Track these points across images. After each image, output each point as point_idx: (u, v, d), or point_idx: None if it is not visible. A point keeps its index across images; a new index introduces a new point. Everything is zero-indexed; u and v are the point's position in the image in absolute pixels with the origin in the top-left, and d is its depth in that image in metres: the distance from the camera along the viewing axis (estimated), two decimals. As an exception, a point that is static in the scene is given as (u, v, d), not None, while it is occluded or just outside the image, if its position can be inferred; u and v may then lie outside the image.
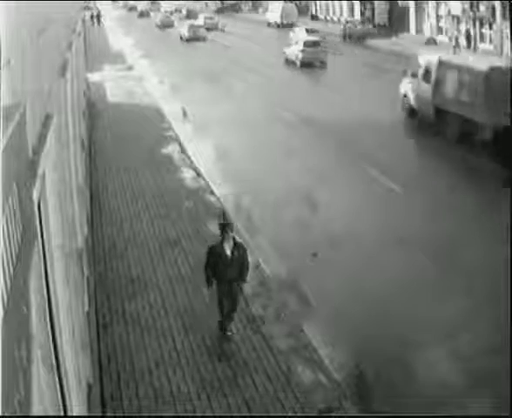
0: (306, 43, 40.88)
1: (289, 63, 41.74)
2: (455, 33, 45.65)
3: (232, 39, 57.61)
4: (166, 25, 69.62)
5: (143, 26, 74.18)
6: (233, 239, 10.04)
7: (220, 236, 10.02)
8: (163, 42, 57.78)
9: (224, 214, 11.66)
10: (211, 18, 69.11)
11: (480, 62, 22.24)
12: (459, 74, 21.60)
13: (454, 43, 43.67)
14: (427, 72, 23.35)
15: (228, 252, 9.90)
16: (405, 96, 24.85)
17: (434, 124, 22.61)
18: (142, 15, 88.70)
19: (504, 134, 18.85)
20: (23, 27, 4.90)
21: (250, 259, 10.49)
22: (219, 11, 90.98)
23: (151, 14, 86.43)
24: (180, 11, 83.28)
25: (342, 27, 58.22)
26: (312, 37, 43.77)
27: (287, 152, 20.94)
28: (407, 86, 24.87)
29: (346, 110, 27.28)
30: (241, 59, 45.00)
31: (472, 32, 44.77)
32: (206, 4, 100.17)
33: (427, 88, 22.98)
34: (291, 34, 51.93)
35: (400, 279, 12.38)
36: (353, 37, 55.66)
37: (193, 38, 55.77)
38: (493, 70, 20.40)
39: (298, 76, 38.26)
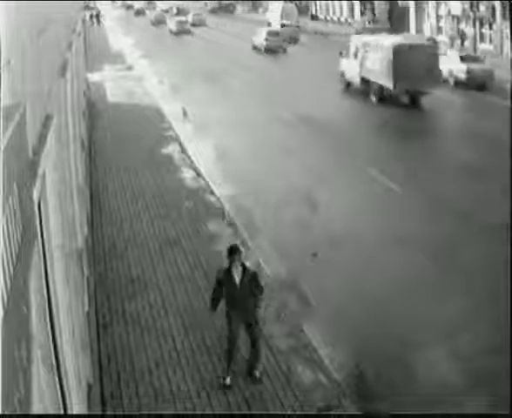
0: (269, 33, 49.31)
1: (256, 49, 50.26)
2: (450, 33, 47.09)
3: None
4: (159, 21, 74.41)
5: (138, 23, 78.70)
6: (243, 265, 9.12)
7: (228, 262, 9.10)
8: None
9: (226, 214, 11.33)
10: (198, 15, 75.15)
11: (389, 39, 28.78)
12: (375, 51, 28.38)
13: (450, 42, 45.29)
14: (356, 51, 30.12)
15: (237, 279, 9.00)
16: (342, 73, 31.24)
17: (361, 91, 29.27)
18: (138, 13, 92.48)
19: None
20: (23, 27, 4.90)
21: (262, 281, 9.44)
22: (213, 12, 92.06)
23: (147, 12, 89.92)
24: (172, 10, 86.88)
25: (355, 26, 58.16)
26: (274, 29, 52.72)
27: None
28: (343, 65, 31.14)
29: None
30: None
31: (467, 32, 45.52)
32: (206, 4, 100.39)
33: (355, 63, 29.55)
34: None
35: (399, 279, 12.40)
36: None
37: (180, 32, 63.21)
38: (399, 46, 27.06)
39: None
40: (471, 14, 43.02)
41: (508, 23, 39.93)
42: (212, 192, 17.14)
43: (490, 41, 43.32)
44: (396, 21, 57.53)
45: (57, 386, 5.11)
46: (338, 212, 15.89)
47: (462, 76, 31.00)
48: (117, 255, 13.36)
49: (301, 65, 42.05)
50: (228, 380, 9.03)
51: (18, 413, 3.15)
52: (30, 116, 4.65)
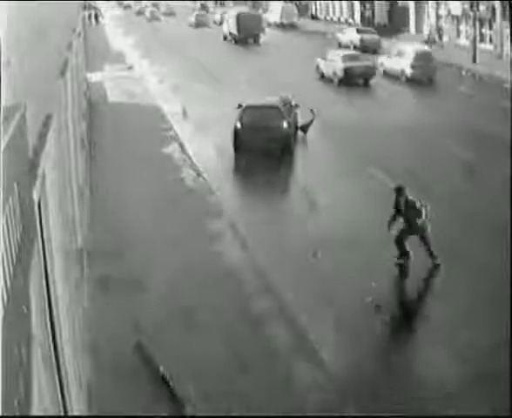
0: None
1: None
2: (429, 28, 50.12)
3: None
4: (152, 19, 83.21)
5: (133, 19, 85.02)
6: (406, 198, 12.56)
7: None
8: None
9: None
10: (169, 8, 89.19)
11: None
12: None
13: (426, 38, 49.20)
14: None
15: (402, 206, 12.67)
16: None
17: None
18: (139, 13, 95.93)
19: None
20: (23, 27, 4.90)
21: None
22: (203, 7, 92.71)
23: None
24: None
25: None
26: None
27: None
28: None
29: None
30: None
31: (444, 28, 49.15)
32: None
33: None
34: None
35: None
36: None
37: (153, 19, 79.36)
38: None
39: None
40: (471, 14, 42.99)
41: (508, 23, 39.92)
42: (212, 192, 17.18)
43: (490, 41, 43.30)
44: (396, 21, 57.51)
45: (57, 386, 5.11)
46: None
47: (358, 43, 45.61)
48: (117, 255, 13.34)
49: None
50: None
51: (18, 413, 3.15)
52: (30, 116, 4.65)
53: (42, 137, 5.29)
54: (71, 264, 7.50)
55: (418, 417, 8.71)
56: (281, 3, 70.79)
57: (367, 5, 64.86)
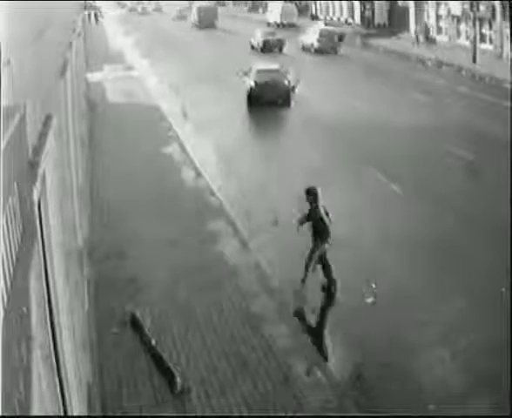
0: (199, 10, 70.29)
1: (193, 25, 69.51)
2: (417, 28, 52.25)
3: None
4: (143, 13, 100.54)
5: (128, 15, 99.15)
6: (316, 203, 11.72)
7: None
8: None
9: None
10: (158, 5, 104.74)
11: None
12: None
13: (415, 35, 51.57)
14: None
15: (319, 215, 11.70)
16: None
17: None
18: (131, 10, 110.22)
19: None
20: (23, 27, 4.90)
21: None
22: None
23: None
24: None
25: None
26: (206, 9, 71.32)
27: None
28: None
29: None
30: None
31: (429, 26, 51.69)
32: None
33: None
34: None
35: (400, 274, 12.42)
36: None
37: (144, 13, 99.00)
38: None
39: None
40: (471, 14, 42.99)
41: (508, 23, 39.91)
42: (212, 192, 17.18)
43: (490, 41, 43.30)
44: (396, 21, 57.50)
45: (57, 386, 5.11)
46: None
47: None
48: (117, 255, 13.34)
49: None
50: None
51: (18, 413, 3.15)
52: (30, 116, 4.64)
53: (42, 137, 5.29)
54: (71, 264, 7.50)
55: (418, 417, 8.72)
56: (281, 3, 70.76)
57: (367, 5, 64.85)
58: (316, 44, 46.89)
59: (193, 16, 71.61)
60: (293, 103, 28.14)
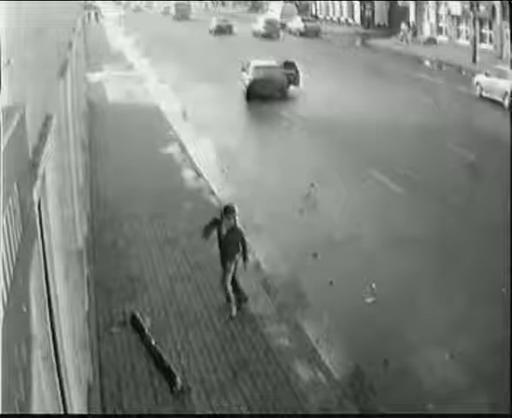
0: (176, 6, 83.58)
1: (173, 18, 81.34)
2: (403, 26, 53.57)
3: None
4: (137, 10, 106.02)
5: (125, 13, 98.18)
6: (235, 223, 10.88)
7: (220, 216, 11.00)
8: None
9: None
10: (149, 3, 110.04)
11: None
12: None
13: (401, 34, 53.24)
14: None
15: (224, 231, 10.85)
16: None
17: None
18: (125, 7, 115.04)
19: None
20: (23, 27, 4.90)
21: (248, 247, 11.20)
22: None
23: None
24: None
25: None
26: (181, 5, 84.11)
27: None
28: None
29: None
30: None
31: (415, 24, 53.77)
32: (206, 5, 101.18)
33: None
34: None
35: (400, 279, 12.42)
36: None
37: (137, 11, 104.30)
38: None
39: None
40: (471, 14, 42.98)
41: (508, 23, 39.88)
42: (212, 192, 17.18)
43: (490, 41, 43.28)
44: (396, 21, 57.48)
45: (57, 386, 5.11)
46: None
47: (303, 29, 61.25)
48: (117, 255, 13.34)
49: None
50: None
51: (18, 413, 3.15)
52: (30, 116, 4.64)
53: (42, 137, 5.29)
54: (71, 264, 7.50)
55: (418, 416, 8.72)
56: (281, 3, 70.71)
57: (367, 5, 64.82)
58: (262, 30, 59.69)
59: (173, 11, 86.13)
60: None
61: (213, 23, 63.19)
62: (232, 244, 10.81)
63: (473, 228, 14.75)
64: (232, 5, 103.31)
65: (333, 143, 22.57)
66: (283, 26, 63.24)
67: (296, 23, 62.93)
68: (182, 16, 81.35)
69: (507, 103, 27.15)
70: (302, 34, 60.13)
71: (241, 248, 10.84)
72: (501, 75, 28.59)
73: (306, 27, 61.28)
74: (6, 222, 3.22)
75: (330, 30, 63.44)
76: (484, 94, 29.23)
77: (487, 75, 29.54)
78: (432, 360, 9.88)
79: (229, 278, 10.93)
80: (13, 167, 3.59)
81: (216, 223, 11.01)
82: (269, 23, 60.61)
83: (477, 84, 30.09)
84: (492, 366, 9.49)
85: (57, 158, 6.92)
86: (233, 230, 10.86)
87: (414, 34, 52.73)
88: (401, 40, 52.10)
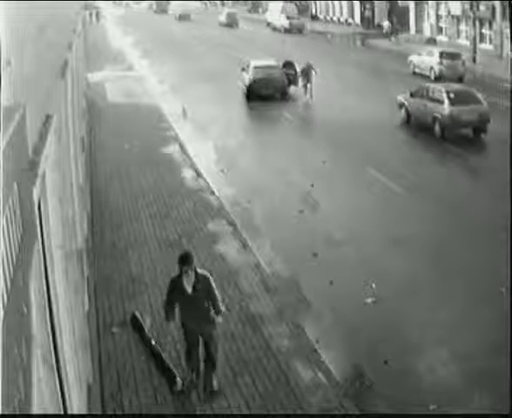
0: (157, 3, 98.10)
1: (154, 12, 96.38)
2: (386, 23, 56.64)
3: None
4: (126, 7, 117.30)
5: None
6: (195, 270, 8.53)
7: (179, 270, 8.58)
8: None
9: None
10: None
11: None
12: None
13: (384, 32, 56.19)
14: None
15: (189, 288, 8.48)
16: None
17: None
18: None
19: None
20: (23, 27, 4.90)
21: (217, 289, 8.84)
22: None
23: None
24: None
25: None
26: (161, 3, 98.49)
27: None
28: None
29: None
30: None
31: (394, 22, 56.03)
32: (206, 5, 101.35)
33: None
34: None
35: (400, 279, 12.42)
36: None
37: (126, 7, 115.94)
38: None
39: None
40: (471, 14, 42.98)
41: (508, 23, 39.89)
42: (212, 192, 17.19)
43: (490, 41, 43.29)
44: (396, 21, 57.51)
45: (57, 386, 5.11)
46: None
47: (287, 26, 65.60)
48: (117, 255, 13.35)
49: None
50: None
51: (18, 413, 3.15)
52: (30, 116, 4.64)
53: (42, 137, 5.29)
54: (71, 264, 7.50)
55: (418, 416, 8.73)
56: (281, 3, 70.68)
57: (367, 5, 64.81)
58: (224, 21, 73.55)
59: (153, 7, 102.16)
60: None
61: (177, 13, 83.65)
62: (205, 299, 8.54)
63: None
64: (231, 5, 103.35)
65: (333, 143, 22.57)
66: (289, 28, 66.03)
67: (281, 20, 67.83)
68: (161, 10, 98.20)
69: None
70: (286, 30, 64.74)
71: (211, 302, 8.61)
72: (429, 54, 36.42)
73: (291, 24, 65.79)
74: (6, 222, 3.22)
75: (330, 30, 63.46)
76: (416, 70, 36.94)
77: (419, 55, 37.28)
78: (432, 360, 9.88)
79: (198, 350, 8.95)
80: (13, 167, 3.59)
81: (174, 289, 8.62)
82: (229, 15, 74.37)
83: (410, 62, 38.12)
84: (492, 366, 9.49)
85: (57, 157, 6.92)
86: (199, 281, 8.48)
87: (396, 32, 54.16)
88: (386, 36, 54.46)
